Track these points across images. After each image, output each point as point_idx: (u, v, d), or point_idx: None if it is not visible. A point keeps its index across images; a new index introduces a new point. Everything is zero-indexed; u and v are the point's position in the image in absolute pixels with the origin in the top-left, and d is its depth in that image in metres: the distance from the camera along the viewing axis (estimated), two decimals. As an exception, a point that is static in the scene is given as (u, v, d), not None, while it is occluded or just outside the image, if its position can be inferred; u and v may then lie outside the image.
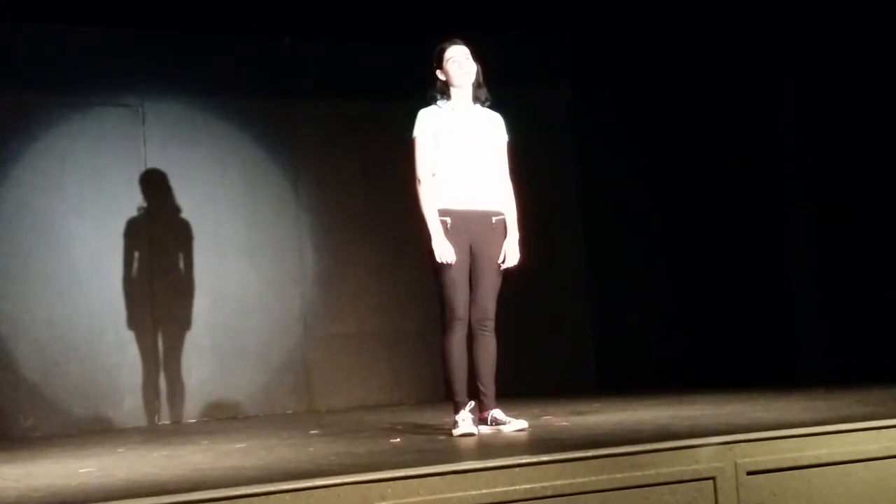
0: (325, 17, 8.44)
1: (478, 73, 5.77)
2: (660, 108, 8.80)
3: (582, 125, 9.12)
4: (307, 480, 4.01)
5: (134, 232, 8.26)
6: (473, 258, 5.68)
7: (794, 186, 8.29)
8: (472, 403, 5.66)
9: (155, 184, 8.34)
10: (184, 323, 8.33)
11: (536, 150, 8.33)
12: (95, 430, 7.87)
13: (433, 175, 5.68)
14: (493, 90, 5.84)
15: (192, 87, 8.48)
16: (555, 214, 8.83)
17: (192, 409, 8.30)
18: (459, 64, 5.71)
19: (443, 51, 5.75)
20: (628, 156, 9.05)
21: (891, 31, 7.72)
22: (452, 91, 5.75)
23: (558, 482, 4.27)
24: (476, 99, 5.79)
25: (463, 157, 5.68)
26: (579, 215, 9.14)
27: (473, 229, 5.67)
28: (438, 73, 5.76)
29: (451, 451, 5.01)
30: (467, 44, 5.77)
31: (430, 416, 6.90)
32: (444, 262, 5.58)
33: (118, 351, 8.15)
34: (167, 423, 8.19)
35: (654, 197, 8.96)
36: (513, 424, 5.65)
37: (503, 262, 5.71)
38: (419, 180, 5.68)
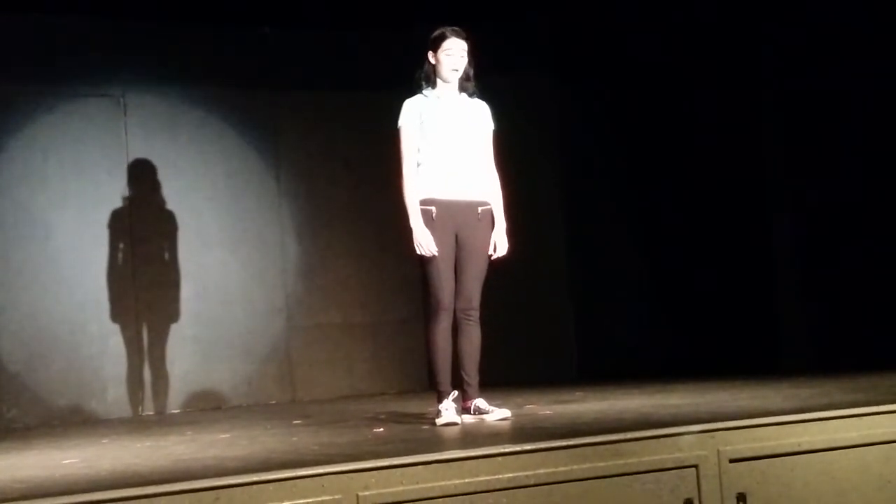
0: (307, 6, 8.41)
1: (467, 68, 5.74)
2: (643, 98, 8.79)
3: (565, 115, 9.11)
4: (290, 470, 4.02)
5: (116, 222, 8.23)
6: (459, 248, 5.67)
7: (777, 174, 8.30)
8: (456, 393, 5.67)
9: (137, 174, 8.32)
10: (167, 313, 8.31)
11: (519, 141, 8.30)
12: (79, 421, 7.85)
13: (418, 165, 5.67)
14: (475, 80, 5.80)
15: (173, 77, 8.44)
16: (537, 204, 8.82)
17: (175, 399, 8.28)
18: (453, 59, 5.67)
19: (442, 38, 5.67)
20: (611, 146, 9.04)
21: (883, 28, 7.75)
22: (439, 79, 5.72)
23: (541, 471, 4.29)
24: (463, 90, 5.77)
25: (449, 147, 5.67)
26: (561, 205, 9.13)
27: (459, 219, 5.66)
28: (430, 55, 5.70)
29: (434, 441, 5.02)
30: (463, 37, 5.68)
31: (414, 406, 6.91)
32: (426, 254, 5.59)
33: (101, 342, 8.13)
34: (151, 413, 8.18)
35: (635, 186, 8.96)
36: (496, 414, 5.66)
37: (494, 252, 5.72)
38: (404, 170, 5.67)
